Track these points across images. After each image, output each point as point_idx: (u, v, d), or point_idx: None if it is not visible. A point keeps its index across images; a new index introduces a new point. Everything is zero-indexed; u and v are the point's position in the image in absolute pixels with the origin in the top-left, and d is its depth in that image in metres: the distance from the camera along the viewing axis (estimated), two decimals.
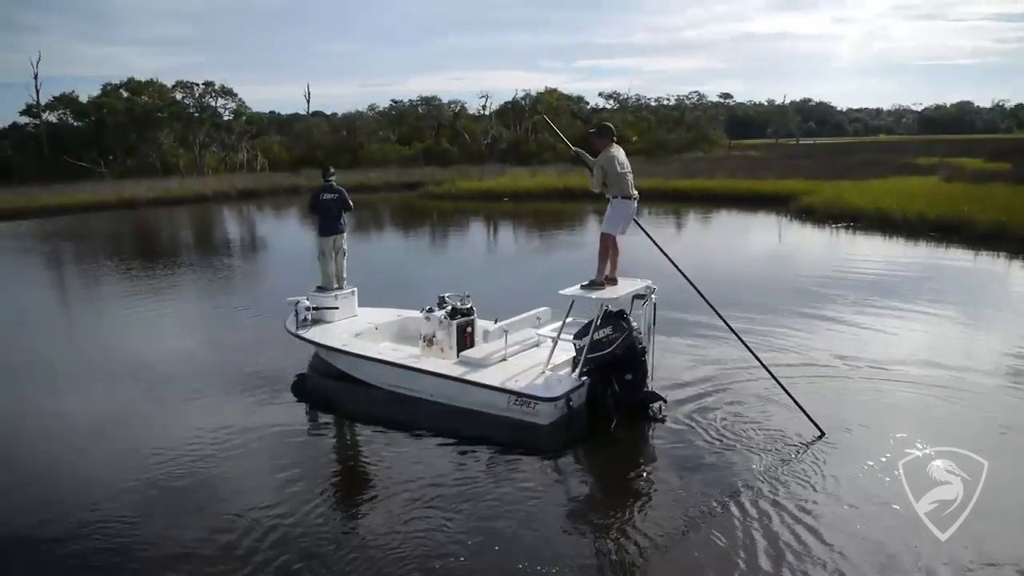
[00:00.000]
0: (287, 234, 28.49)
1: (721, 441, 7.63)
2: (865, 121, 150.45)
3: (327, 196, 10.97)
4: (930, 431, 7.64)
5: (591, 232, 25.55)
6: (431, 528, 6.06)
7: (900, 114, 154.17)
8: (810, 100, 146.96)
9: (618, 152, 8.33)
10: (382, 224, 31.61)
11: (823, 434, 7.62)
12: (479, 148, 59.07)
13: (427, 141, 60.95)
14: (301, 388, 9.79)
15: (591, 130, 8.96)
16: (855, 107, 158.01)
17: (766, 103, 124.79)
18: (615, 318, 8.32)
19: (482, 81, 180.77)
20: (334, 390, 9.61)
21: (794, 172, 36.69)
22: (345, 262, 11.24)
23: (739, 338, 8.49)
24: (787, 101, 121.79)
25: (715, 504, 6.43)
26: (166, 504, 6.60)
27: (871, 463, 6.96)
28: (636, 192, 8.45)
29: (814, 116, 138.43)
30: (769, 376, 8.30)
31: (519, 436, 7.82)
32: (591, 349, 8.18)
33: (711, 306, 8.52)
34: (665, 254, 8.55)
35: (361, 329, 10.38)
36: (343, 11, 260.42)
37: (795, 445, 7.51)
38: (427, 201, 36.92)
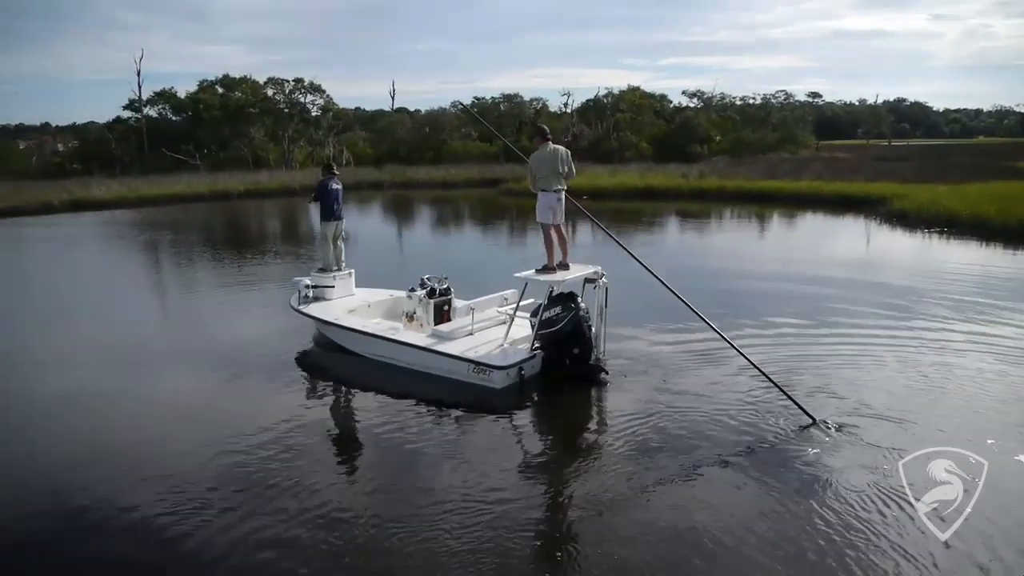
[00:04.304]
0: (367, 228, 29.12)
1: (693, 420, 8.03)
2: (963, 122, 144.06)
3: (334, 186, 12.17)
4: (931, 430, 7.55)
5: (670, 233, 25.35)
6: (398, 485, 6.83)
7: (1001, 115, 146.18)
8: (904, 100, 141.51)
9: (544, 151, 9.46)
10: (461, 219, 32.03)
11: (814, 421, 7.69)
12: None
13: (508, 138, 61.17)
14: (303, 359, 10.90)
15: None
16: (952, 108, 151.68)
17: (857, 103, 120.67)
18: (565, 299, 9.32)
19: (564, 79, 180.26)
20: (329, 360, 10.69)
21: (885, 175, 35.49)
22: (343, 245, 12.35)
23: (712, 327, 8.92)
24: (879, 101, 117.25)
25: (675, 479, 6.79)
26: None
27: (871, 461, 6.89)
28: (559, 185, 9.53)
29: (908, 117, 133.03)
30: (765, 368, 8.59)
31: (479, 400, 8.81)
32: (542, 326, 9.25)
33: (680, 297, 9.03)
34: (624, 247, 9.65)
35: (355, 306, 11.46)
36: (432, 10, 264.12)
37: (785, 437, 7.55)
38: (507, 198, 37.17)
